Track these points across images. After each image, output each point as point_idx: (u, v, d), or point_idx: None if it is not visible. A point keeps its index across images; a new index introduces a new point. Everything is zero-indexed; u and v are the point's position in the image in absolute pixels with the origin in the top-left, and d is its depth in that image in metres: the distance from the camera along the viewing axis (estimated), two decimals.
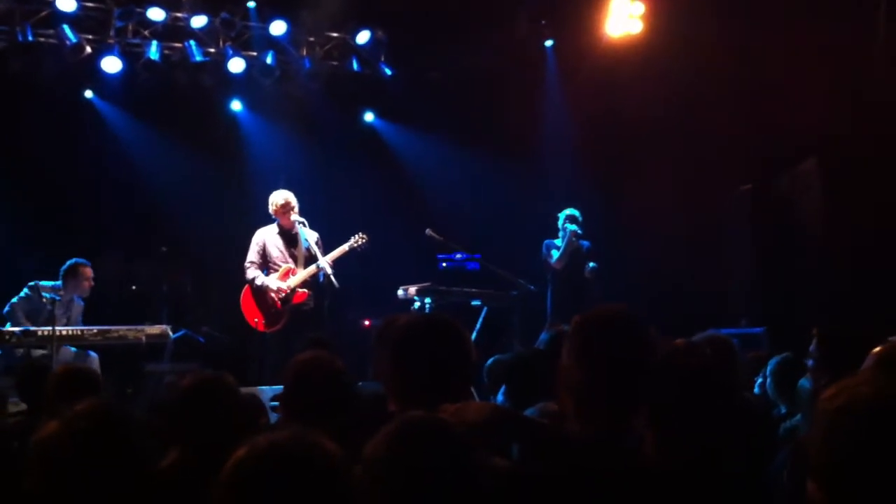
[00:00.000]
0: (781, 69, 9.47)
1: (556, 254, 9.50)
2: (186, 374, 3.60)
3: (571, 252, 9.51)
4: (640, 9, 10.44)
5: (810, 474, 1.84)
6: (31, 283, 8.47)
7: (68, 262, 8.77)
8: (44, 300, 8.37)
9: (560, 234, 9.62)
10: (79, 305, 8.84)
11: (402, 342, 2.62)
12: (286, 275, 8.72)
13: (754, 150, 10.22)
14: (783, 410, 4.50)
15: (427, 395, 2.50)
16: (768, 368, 4.68)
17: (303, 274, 8.69)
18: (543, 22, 11.31)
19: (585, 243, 9.62)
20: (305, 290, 8.72)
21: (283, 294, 8.66)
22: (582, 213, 9.71)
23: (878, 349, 3.22)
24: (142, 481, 2.16)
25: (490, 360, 5.00)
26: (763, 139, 10.05)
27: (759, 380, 4.91)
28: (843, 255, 9.27)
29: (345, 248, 8.71)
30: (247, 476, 1.63)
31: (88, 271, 8.82)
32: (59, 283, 8.69)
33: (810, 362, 3.92)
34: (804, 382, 3.96)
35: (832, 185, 9.66)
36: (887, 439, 1.76)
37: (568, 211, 9.60)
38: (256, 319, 8.75)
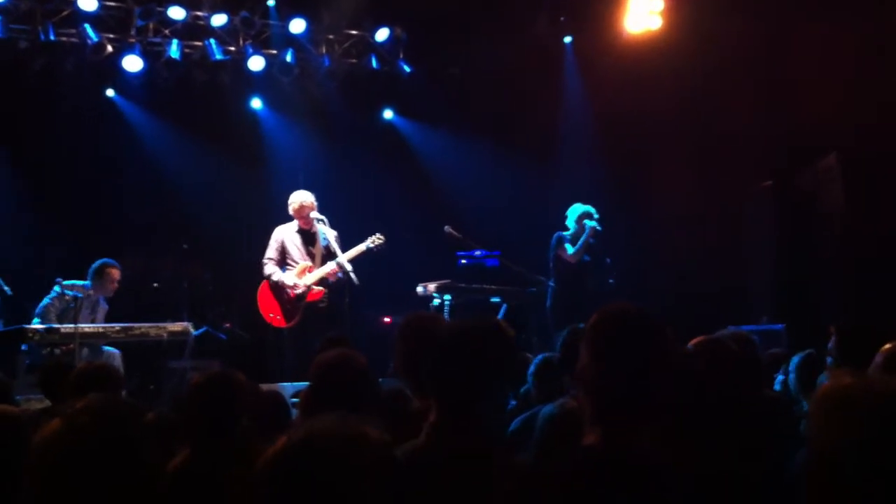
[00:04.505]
0: (802, 63, 9.41)
1: (569, 247, 9.36)
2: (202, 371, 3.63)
3: (586, 249, 9.39)
4: (660, 5, 10.41)
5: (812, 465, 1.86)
6: (58, 280, 8.51)
7: (97, 263, 8.80)
8: (66, 298, 8.43)
9: (570, 227, 9.49)
10: (104, 308, 8.90)
11: (453, 344, 2.63)
12: (303, 272, 8.76)
13: (775, 146, 10.17)
14: (806, 407, 4.49)
15: (468, 396, 2.55)
16: (791, 365, 4.67)
17: (319, 272, 8.72)
18: (563, 18, 11.29)
19: (608, 260, 9.50)
20: (321, 289, 8.75)
21: (299, 291, 8.70)
22: (601, 210, 9.60)
23: (886, 347, 3.22)
24: (148, 479, 2.14)
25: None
26: (784, 134, 10.00)
27: (780, 377, 4.90)
28: (865, 250, 9.21)
29: (361, 248, 8.72)
30: (289, 465, 1.62)
31: (116, 273, 8.84)
32: (87, 282, 8.75)
33: (829, 360, 3.91)
34: (823, 379, 3.95)
35: (854, 180, 9.60)
36: (884, 434, 1.79)
37: (583, 207, 9.44)
38: (272, 315, 8.80)
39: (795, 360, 4.65)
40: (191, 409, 3.17)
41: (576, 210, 9.41)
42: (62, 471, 2.05)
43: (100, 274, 8.76)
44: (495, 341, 2.63)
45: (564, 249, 9.32)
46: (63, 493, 2.04)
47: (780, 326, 8.79)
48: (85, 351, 8.30)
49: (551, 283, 9.41)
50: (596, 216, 9.36)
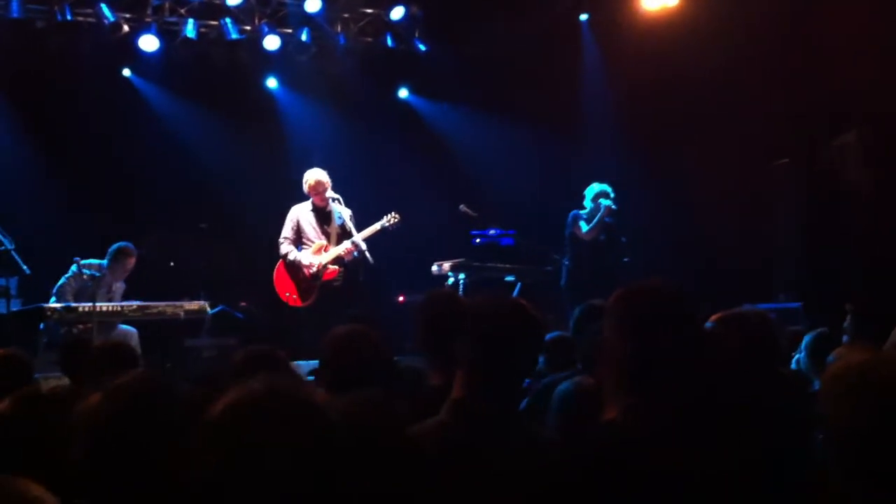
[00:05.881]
0: (823, 39, 9.32)
1: (584, 225, 9.37)
2: (236, 349, 3.64)
3: (601, 227, 9.38)
4: None
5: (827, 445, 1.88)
6: (76, 259, 8.57)
7: (116, 245, 8.86)
8: (84, 277, 8.49)
9: (587, 206, 9.48)
10: (121, 286, 8.96)
11: (480, 325, 2.65)
12: (319, 251, 8.80)
13: (797, 123, 10.10)
14: (817, 386, 4.49)
15: (500, 378, 2.58)
16: (803, 343, 4.67)
17: (335, 251, 8.76)
18: None
19: (623, 238, 9.48)
20: (336, 267, 8.78)
21: (315, 270, 8.74)
22: (620, 187, 9.57)
23: None
24: (186, 453, 2.19)
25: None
26: (806, 111, 9.92)
27: (797, 356, 4.89)
28: (886, 228, 9.15)
29: (377, 226, 8.75)
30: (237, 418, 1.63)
31: (131, 260, 8.88)
32: (104, 262, 8.80)
33: (845, 338, 3.90)
34: (831, 359, 3.94)
35: (874, 157, 9.53)
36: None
37: (600, 187, 9.45)
38: (288, 294, 8.86)
39: (807, 338, 4.65)
40: (234, 384, 3.18)
41: (593, 189, 9.43)
42: (104, 444, 2.10)
43: (116, 257, 8.82)
44: (529, 320, 2.65)
45: (580, 227, 9.35)
46: (105, 465, 2.10)
47: (797, 304, 8.77)
48: (109, 328, 8.37)
49: (566, 261, 9.42)
50: (612, 195, 9.37)
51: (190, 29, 10.22)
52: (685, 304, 2.37)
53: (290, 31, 10.86)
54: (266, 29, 10.63)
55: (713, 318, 3.52)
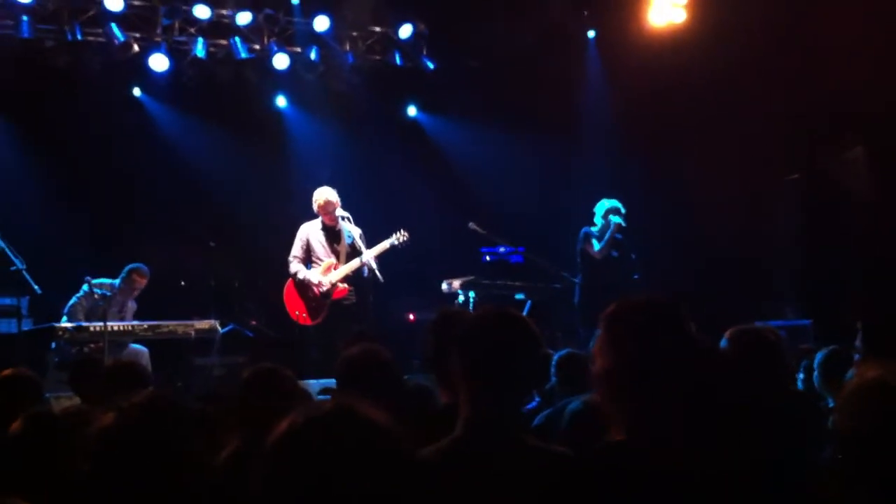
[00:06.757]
0: (827, 53, 9.33)
1: (595, 242, 9.32)
2: (243, 367, 3.65)
3: (612, 244, 9.34)
4: None
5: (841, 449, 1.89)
6: (87, 279, 8.60)
7: (128, 266, 8.91)
8: (96, 296, 8.52)
9: (597, 223, 9.45)
10: (132, 306, 8.99)
11: (473, 336, 2.62)
12: (328, 269, 8.80)
13: (802, 137, 10.10)
14: (831, 404, 4.47)
15: (497, 389, 2.54)
16: (816, 361, 4.65)
17: (344, 269, 8.76)
18: (585, 12, 11.25)
19: (633, 255, 9.43)
20: (346, 286, 8.79)
21: (325, 288, 8.74)
22: (626, 203, 9.55)
23: None
24: (197, 470, 2.21)
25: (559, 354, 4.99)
26: (811, 124, 9.94)
27: (801, 375, 4.88)
28: (886, 230, 9.13)
29: (386, 244, 8.76)
30: (293, 445, 1.63)
31: (141, 281, 8.93)
32: (116, 281, 8.84)
33: (856, 356, 3.89)
34: (850, 376, 3.93)
35: (881, 171, 9.53)
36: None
37: (610, 203, 9.41)
38: (298, 312, 8.86)
39: (819, 356, 4.64)
40: (242, 402, 3.20)
41: (602, 205, 9.38)
42: (118, 462, 2.12)
43: (126, 278, 8.89)
44: (517, 325, 2.62)
45: (591, 245, 9.29)
46: (119, 483, 2.12)
47: (807, 322, 8.74)
48: (121, 348, 8.39)
49: (578, 279, 9.38)
50: (623, 211, 9.31)
51: (199, 48, 10.28)
52: (676, 317, 2.34)
53: (298, 49, 10.91)
54: (275, 48, 10.69)
55: (727, 334, 3.53)
